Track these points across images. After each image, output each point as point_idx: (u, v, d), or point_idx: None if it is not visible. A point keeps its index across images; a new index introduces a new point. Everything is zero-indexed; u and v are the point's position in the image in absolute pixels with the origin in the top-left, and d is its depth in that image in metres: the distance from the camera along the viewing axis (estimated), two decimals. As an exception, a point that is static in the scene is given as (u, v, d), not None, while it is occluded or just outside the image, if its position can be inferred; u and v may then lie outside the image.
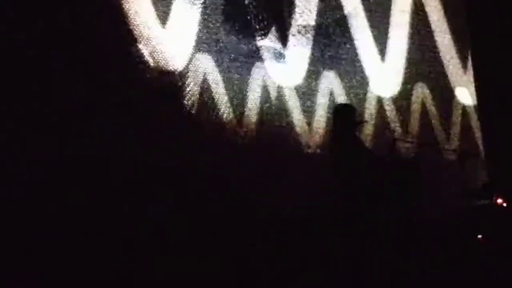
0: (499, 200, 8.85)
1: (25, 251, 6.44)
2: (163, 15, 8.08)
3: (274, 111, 8.84)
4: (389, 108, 9.99)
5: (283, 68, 9.05)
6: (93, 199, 6.94)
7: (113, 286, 6.68)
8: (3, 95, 6.75)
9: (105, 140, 7.20)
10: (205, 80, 8.32)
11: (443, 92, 10.62)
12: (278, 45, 9.05)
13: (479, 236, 7.89)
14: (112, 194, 7.09)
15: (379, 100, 9.93)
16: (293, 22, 9.26)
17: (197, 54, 8.30)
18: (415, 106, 10.26)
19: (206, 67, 8.36)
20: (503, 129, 10.23)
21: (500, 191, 9.05)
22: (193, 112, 8.07)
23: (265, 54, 8.91)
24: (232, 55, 8.58)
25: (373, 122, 9.69)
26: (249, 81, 8.71)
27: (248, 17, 8.80)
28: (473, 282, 6.66)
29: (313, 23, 9.41)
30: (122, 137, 7.32)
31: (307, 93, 9.18)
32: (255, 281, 6.66)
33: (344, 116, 7.41)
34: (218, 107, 8.36)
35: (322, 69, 9.40)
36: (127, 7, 7.72)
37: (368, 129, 9.54)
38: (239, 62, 8.65)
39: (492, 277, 6.72)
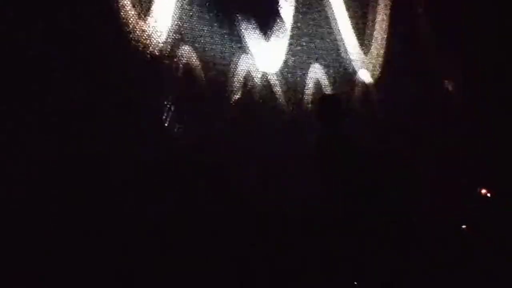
0: (483, 191, 8.88)
1: (25, 251, 6.44)
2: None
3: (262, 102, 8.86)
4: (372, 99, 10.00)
5: (267, 56, 9.07)
6: (93, 199, 6.94)
7: (113, 286, 6.69)
8: (3, 95, 6.74)
9: (105, 140, 7.20)
10: (196, 74, 8.32)
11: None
12: (261, 34, 9.06)
13: (464, 227, 7.91)
14: (112, 194, 7.09)
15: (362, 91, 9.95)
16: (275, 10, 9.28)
17: (185, 47, 8.29)
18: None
19: (193, 59, 8.36)
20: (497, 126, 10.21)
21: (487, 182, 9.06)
22: (190, 108, 8.07)
23: (250, 44, 8.92)
24: (223, 48, 8.59)
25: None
26: (239, 72, 8.73)
27: (232, 9, 8.80)
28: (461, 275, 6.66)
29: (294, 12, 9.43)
30: (122, 137, 7.32)
31: (291, 82, 9.20)
32: (255, 281, 6.66)
33: (331, 108, 7.36)
34: (215, 101, 8.38)
35: (305, 59, 9.43)
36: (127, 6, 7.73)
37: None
38: (230, 54, 8.67)
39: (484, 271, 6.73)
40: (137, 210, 7.11)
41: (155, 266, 6.74)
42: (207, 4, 8.45)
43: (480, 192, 8.95)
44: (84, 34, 7.23)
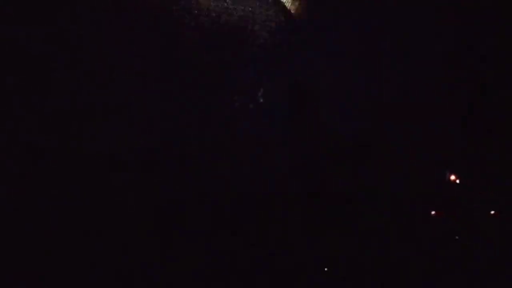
0: (452, 177, 8.81)
1: (25, 251, 6.45)
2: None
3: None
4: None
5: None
6: (93, 199, 6.95)
7: (113, 286, 6.70)
8: (3, 95, 6.76)
9: (105, 141, 7.22)
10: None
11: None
12: None
13: (433, 212, 7.88)
14: (112, 194, 7.10)
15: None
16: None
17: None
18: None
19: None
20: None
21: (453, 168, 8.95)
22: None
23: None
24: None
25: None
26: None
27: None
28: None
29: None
30: (123, 137, 7.34)
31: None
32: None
33: (304, 96, 7.24)
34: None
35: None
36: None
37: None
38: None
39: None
40: (134, 209, 7.13)
41: (153, 264, 6.76)
42: None
43: (449, 178, 8.88)
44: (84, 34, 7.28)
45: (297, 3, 9.23)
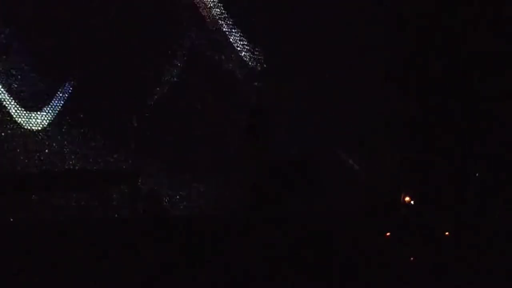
0: (407, 198, 8.79)
1: (24, 250, 6.43)
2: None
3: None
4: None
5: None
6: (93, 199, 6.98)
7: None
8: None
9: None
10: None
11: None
12: None
13: (388, 234, 7.91)
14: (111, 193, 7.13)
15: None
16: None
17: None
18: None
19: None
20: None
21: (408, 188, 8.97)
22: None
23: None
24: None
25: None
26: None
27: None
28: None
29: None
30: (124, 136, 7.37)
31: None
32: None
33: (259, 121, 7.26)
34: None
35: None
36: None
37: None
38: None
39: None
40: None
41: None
42: None
43: (404, 200, 8.87)
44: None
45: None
